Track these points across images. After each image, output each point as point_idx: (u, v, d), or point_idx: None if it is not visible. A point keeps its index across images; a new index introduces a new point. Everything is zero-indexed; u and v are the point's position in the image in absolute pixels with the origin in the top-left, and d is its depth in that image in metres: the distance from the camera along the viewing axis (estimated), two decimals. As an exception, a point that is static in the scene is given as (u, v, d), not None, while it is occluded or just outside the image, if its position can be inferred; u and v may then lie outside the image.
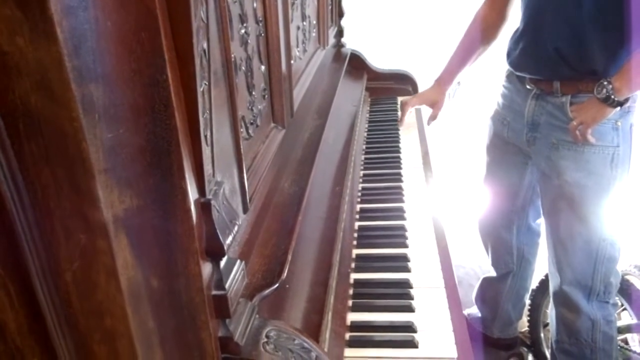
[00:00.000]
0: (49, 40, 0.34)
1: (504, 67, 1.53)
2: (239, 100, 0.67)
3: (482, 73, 1.81)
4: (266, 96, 0.87)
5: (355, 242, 1.11)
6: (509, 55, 1.45)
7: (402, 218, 1.20)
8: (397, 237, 1.13)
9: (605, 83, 1.20)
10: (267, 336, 0.55)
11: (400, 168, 1.47)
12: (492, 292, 1.83)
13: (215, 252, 0.49)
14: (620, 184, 1.33)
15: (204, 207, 0.47)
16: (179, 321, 0.48)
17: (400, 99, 1.90)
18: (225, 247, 0.49)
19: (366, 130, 1.74)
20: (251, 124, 0.77)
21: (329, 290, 0.81)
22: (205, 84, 0.47)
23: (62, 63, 0.35)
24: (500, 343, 1.86)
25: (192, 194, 0.45)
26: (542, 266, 1.79)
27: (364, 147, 1.60)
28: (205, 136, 0.47)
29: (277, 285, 0.66)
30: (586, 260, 1.39)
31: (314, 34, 1.44)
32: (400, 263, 1.04)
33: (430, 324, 0.88)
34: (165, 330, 0.48)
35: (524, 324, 1.88)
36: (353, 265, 1.04)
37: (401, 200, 1.28)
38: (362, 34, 2.46)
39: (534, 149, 1.43)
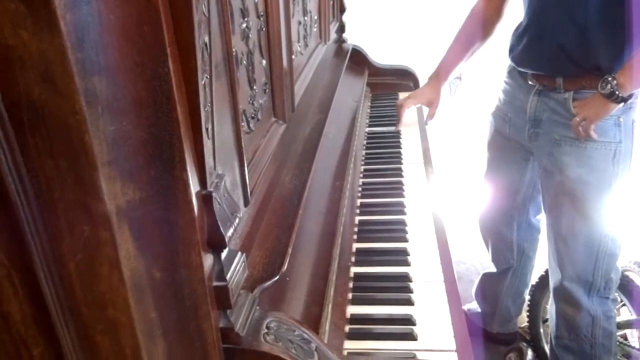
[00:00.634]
0: (53, 33, 0.35)
1: (504, 62, 1.53)
2: (240, 94, 0.68)
3: (482, 69, 1.81)
4: (267, 90, 0.88)
5: (355, 236, 1.12)
6: (511, 51, 1.44)
7: (402, 213, 1.21)
8: (397, 231, 1.13)
9: (610, 79, 1.19)
10: (267, 327, 0.56)
11: (400, 163, 1.47)
12: (492, 287, 1.84)
13: (216, 244, 0.50)
14: (621, 180, 1.33)
15: (206, 199, 0.48)
16: (181, 312, 0.49)
17: (400, 97, 1.90)
18: (227, 239, 0.50)
19: (367, 125, 1.74)
20: (252, 118, 0.78)
21: (329, 283, 0.81)
22: (207, 77, 0.47)
23: (65, 56, 0.35)
24: (499, 338, 1.87)
25: (194, 186, 0.45)
26: (541, 262, 1.80)
27: (364, 142, 1.61)
28: (207, 129, 0.48)
29: (277, 277, 0.66)
30: (587, 256, 1.39)
31: (315, 29, 1.44)
32: (400, 257, 1.04)
33: (430, 317, 0.88)
34: (167, 320, 0.48)
35: (523, 320, 1.89)
36: (353, 259, 1.04)
37: (401, 196, 1.29)
38: (363, 30, 2.46)
39: (536, 145, 1.44)
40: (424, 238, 1.12)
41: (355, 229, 1.14)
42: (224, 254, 0.52)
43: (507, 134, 1.54)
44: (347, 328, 0.86)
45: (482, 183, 1.74)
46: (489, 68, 2.07)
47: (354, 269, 1.01)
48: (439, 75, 1.64)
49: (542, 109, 1.38)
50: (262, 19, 0.83)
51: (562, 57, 1.28)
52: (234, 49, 0.64)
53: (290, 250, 0.72)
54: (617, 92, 1.19)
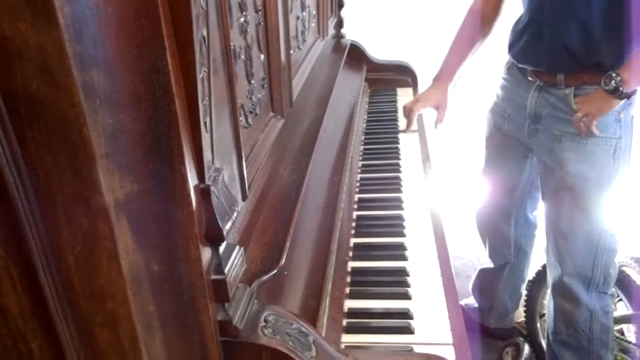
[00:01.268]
0: (51, 25, 0.35)
1: (500, 58, 1.52)
2: (239, 89, 0.68)
3: (479, 64, 1.80)
4: (265, 85, 0.88)
5: (353, 231, 1.12)
6: (511, 47, 1.44)
7: (400, 208, 1.21)
8: (395, 226, 1.14)
9: (614, 75, 1.19)
10: (265, 320, 0.56)
11: (398, 159, 1.47)
12: (489, 283, 1.85)
13: (214, 237, 0.50)
14: (621, 176, 1.33)
15: (204, 192, 0.48)
16: (179, 305, 0.49)
17: (398, 92, 1.90)
18: (225, 233, 0.50)
19: (365, 121, 1.74)
20: (250, 112, 0.78)
21: (327, 278, 0.82)
22: (205, 71, 0.47)
23: (63, 49, 0.35)
24: (497, 333, 1.88)
25: (192, 179, 0.45)
26: (538, 257, 1.81)
27: (362, 137, 1.61)
28: (205, 123, 0.48)
29: (275, 271, 0.66)
30: (587, 251, 1.39)
31: (313, 25, 1.44)
32: (398, 252, 1.05)
33: (427, 311, 0.89)
34: (165, 313, 0.48)
35: (520, 315, 1.90)
36: (351, 253, 1.05)
37: (399, 191, 1.29)
38: (361, 25, 2.45)
39: (535, 141, 1.43)
40: (421, 233, 1.12)
41: (353, 224, 1.15)
42: (222, 248, 0.52)
43: (506, 130, 1.53)
44: (344, 322, 0.86)
45: (479, 179, 1.75)
46: (486, 64, 2.07)
47: (352, 264, 1.01)
48: (444, 77, 1.60)
49: (542, 105, 1.38)
50: (260, 13, 0.83)
51: (565, 54, 1.27)
52: (232, 43, 0.64)
53: (288, 244, 0.72)
54: (621, 88, 1.19)
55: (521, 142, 1.51)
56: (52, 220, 0.42)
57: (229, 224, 0.52)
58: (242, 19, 0.73)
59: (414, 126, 1.68)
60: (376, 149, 1.54)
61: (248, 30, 0.76)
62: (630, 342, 1.62)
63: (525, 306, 1.83)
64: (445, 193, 2.45)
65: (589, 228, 1.37)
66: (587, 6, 1.21)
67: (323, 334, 0.72)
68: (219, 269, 0.51)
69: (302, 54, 1.26)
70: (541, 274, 1.77)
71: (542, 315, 1.80)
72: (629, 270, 1.63)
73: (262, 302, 0.60)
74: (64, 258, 0.43)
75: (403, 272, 0.99)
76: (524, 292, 1.84)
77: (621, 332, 1.68)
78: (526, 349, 1.73)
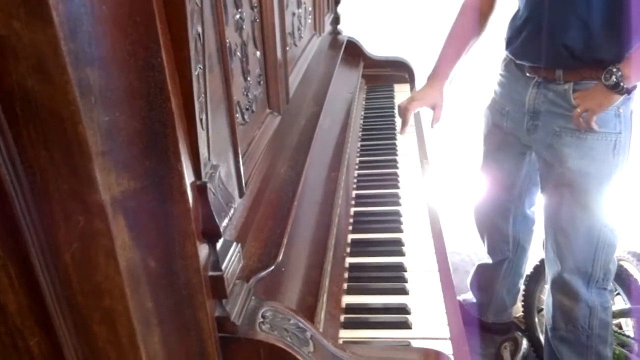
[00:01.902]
0: (45, 23, 0.35)
1: (496, 53, 1.52)
2: (235, 86, 0.68)
3: (475, 60, 1.80)
4: (262, 82, 0.88)
5: (350, 227, 1.12)
6: (509, 43, 1.43)
7: (398, 204, 1.21)
8: (392, 222, 1.14)
9: (615, 70, 1.18)
10: (263, 316, 0.57)
11: (396, 155, 1.47)
12: (487, 278, 1.85)
13: (211, 234, 0.50)
14: (620, 171, 1.33)
15: (200, 189, 0.48)
16: (177, 301, 0.49)
17: (395, 89, 1.90)
18: (221, 229, 0.50)
19: (362, 117, 1.74)
20: (247, 109, 0.78)
21: (324, 274, 0.82)
22: (200, 68, 0.47)
23: (58, 47, 0.35)
24: (495, 328, 1.89)
25: (188, 176, 0.46)
26: (535, 252, 1.81)
27: (360, 134, 1.61)
28: (201, 120, 0.48)
29: (272, 267, 0.67)
30: (587, 247, 1.39)
31: (309, 21, 1.44)
32: (395, 247, 1.05)
33: (424, 306, 0.89)
34: (163, 310, 0.49)
35: (518, 309, 1.90)
36: (348, 249, 1.05)
37: (397, 187, 1.29)
38: (358, 21, 2.45)
39: (535, 137, 1.43)
40: (418, 229, 1.12)
41: (351, 220, 1.15)
42: (219, 244, 0.52)
43: (505, 127, 1.53)
44: (342, 317, 0.87)
45: (478, 176, 1.74)
46: (483, 59, 2.07)
47: (349, 260, 1.02)
48: (439, 75, 1.56)
49: (541, 101, 1.37)
50: (255, 10, 0.83)
51: (564, 51, 1.27)
52: (227, 40, 0.64)
53: (285, 240, 0.72)
54: (621, 84, 1.18)
55: (520, 140, 1.51)
56: (49, 218, 0.42)
57: (226, 221, 0.52)
58: (238, 16, 0.73)
59: (411, 124, 1.68)
60: (373, 145, 1.54)
61: (244, 27, 0.76)
62: (628, 336, 1.62)
63: (523, 301, 1.84)
64: (443, 189, 2.46)
65: (590, 224, 1.37)
66: (587, 4, 1.20)
67: (321, 330, 0.72)
68: (216, 265, 0.51)
69: (299, 51, 1.26)
70: (539, 269, 1.78)
71: (540, 310, 1.80)
72: (626, 265, 1.64)
73: (260, 298, 0.60)
74: (61, 255, 0.43)
75: (401, 267, 0.99)
76: (521, 287, 1.85)
77: (619, 326, 1.68)
78: (524, 343, 1.74)
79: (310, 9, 1.43)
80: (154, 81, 0.41)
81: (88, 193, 0.41)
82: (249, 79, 0.78)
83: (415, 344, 0.81)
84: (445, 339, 0.82)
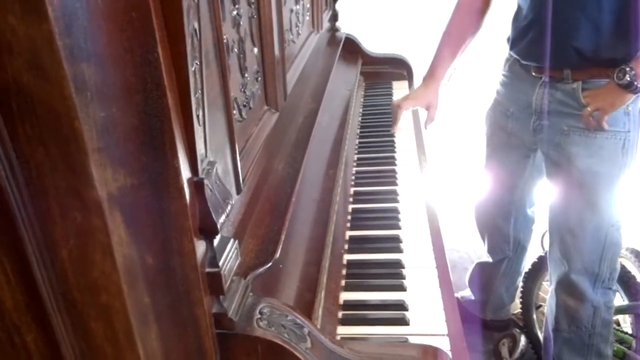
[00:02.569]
0: (40, 19, 0.34)
1: (496, 52, 1.51)
2: (232, 82, 0.67)
3: (474, 58, 1.80)
4: (259, 79, 0.88)
5: (348, 224, 1.12)
6: (514, 44, 1.41)
7: (396, 201, 1.22)
8: (390, 219, 1.14)
9: (628, 69, 1.16)
10: (260, 313, 0.57)
11: (394, 152, 1.47)
12: (486, 276, 1.85)
13: (208, 230, 0.50)
14: (629, 170, 1.32)
15: (197, 185, 0.48)
16: (174, 297, 0.49)
17: (393, 86, 1.90)
18: (219, 226, 0.50)
19: (360, 114, 1.74)
20: (244, 106, 0.78)
21: (322, 270, 0.82)
22: (197, 63, 0.47)
23: (53, 42, 0.35)
24: (493, 325, 1.89)
25: (185, 172, 0.45)
26: (533, 249, 1.82)
27: (358, 131, 1.61)
28: (198, 116, 0.48)
29: (270, 264, 0.67)
30: (595, 247, 1.38)
31: (307, 18, 1.43)
32: (393, 244, 1.05)
33: (422, 303, 0.89)
34: (160, 306, 0.49)
35: (516, 306, 1.91)
36: (346, 246, 1.05)
37: (395, 184, 1.29)
38: (356, 18, 2.45)
39: (541, 137, 1.41)
40: (416, 226, 1.12)
41: (349, 217, 1.15)
42: (216, 241, 0.52)
43: (509, 129, 1.51)
44: (340, 314, 0.87)
45: (480, 176, 1.74)
46: (482, 58, 2.07)
47: (347, 256, 1.02)
48: (435, 75, 1.52)
49: (548, 100, 1.35)
50: (253, 6, 0.83)
51: (573, 52, 1.25)
52: (224, 37, 0.64)
53: (283, 237, 0.72)
54: (635, 82, 1.16)
55: (523, 141, 1.49)
56: (45, 214, 0.42)
57: (223, 217, 0.52)
58: (235, 12, 0.72)
59: (410, 118, 1.68)
60: (371, 142, 1.54)
61: (241, 23, 0.76)
62: (626, 333, 1.63)
63: (521, 298, 1.84)
64: (442, 186, 2.46)
65: (598, 223, 1.35)
66: (597, 4, 1.19)
67: (318, 326, 0.72)
68: (214, 261, 0.51)
69: (297, 48, 1.26)
70: (537, 266, 1.78)
71: (539, 307, 1.81)
72: (625, 262, 1.64)
73: (257, 295, 0.60)
74: (58, 252, 0.43)
75: (398, 264, 0.99)
76: (520, 284, 1.85)
77: (617, 322, 1.69)
78: (522, 340, 1.75)
79: (308, 5, 1.43)
80: (151, 77, 0.41)
81: (84, 189, 0.41)
82: (246, 75, 0.78)
83: (413, 340, 0.81)
84: (443, 335, 0.82)
